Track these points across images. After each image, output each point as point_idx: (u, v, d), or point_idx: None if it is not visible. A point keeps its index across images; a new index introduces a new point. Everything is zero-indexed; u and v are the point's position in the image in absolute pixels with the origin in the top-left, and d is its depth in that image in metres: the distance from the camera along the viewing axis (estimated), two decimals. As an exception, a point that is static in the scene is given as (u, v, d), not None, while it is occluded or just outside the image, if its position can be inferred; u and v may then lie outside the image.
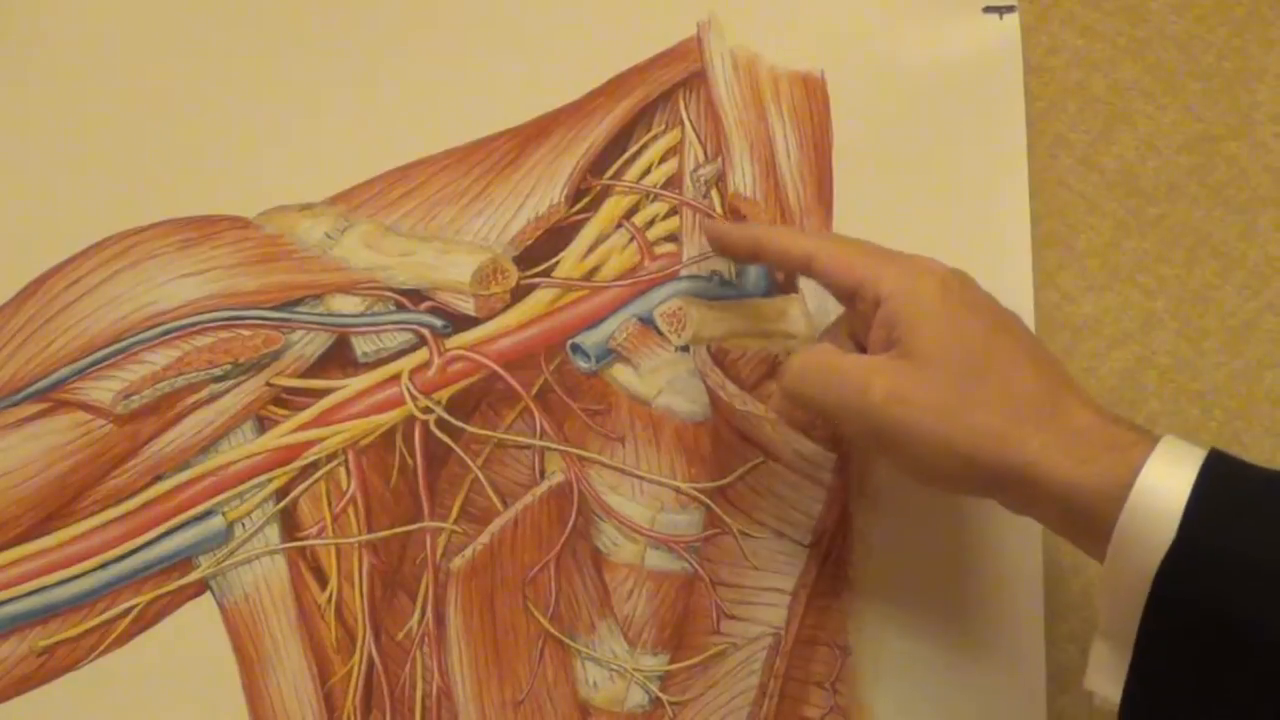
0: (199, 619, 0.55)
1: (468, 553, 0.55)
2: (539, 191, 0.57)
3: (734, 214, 0.57)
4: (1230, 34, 0.59)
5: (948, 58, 0.57)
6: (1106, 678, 0.44)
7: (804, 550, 0.56)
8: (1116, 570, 0.43)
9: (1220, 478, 0.42)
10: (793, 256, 0.51)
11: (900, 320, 0.47)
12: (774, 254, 0.52)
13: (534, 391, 0.56)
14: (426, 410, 0.56)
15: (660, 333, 0.56)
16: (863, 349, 0.50)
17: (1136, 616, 0.42)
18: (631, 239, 0.57)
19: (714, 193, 0.57)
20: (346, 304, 0.56)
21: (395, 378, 0.56)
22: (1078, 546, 0.46)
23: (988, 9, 0.57)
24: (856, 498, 0.56)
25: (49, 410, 0.55)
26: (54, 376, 0.55)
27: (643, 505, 0.56)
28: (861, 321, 0.49)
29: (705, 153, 0.57)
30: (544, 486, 0.56)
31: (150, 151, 0.56)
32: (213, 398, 0.55)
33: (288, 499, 0.55)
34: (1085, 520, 0.44)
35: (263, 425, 0.55)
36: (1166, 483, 0.42)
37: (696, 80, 0.57)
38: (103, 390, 0.55)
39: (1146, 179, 0.59)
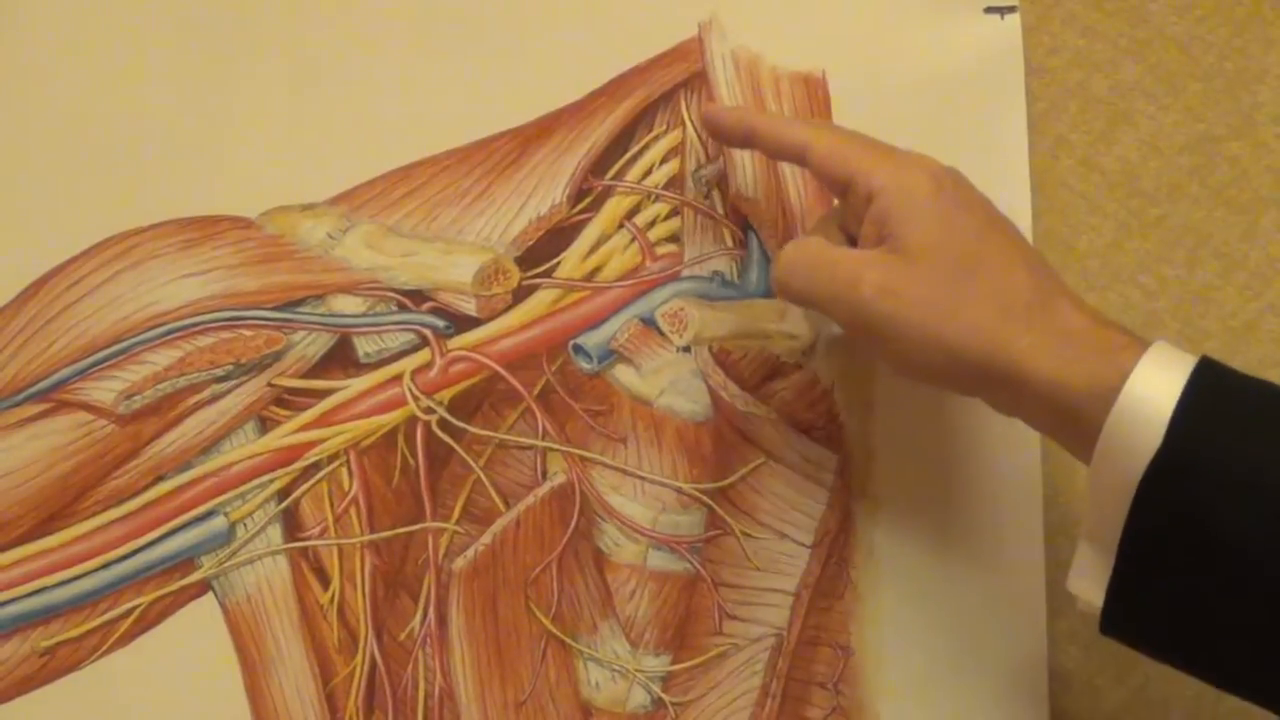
0: (201, 619, 0.55)
1: (470, 553, 0.55)
2: (541, 192, 0.57)
3: (735, 214, 0.57)
4: (1231, 34, 0.59)
5: (949, 58, 0.57)
6: (1090, 581, 0.44)
7: (806, 551, 0.56)
8: (1102, 474, 0.43)
9: (1209, 386, 0.42)
10: (787, 144, 0.50)
11: (892, 215, 0.47)
12: (768, 140, 0.51)
13: (536, 392, 0.56)
14: (428, 411, 0.56)
15: (662, 333, 0.56)
16: (854, 243, 0.49)
17: (1121, 521, 0.42)
18: (633, 239, 0.57)
19: (715, 193, 0.57)
20: (348, 304, 0.56)
21: (397, 378, 0.56)
22: (1064, 448, 0.46)
23: (989, 9, 0.57)
24: (859, 498, 0.56)
25: (51, 411, 0.55)
26: (56, 377, 0.55)
27: (645, 506, 0.56)
28: (853, 215, 0.49)
29: (707, 153, 0.57)
30: (546, 487, 0.56)
31: (151, 152, 0.56)
32: (214, 398, 0.55)
33: (290, 499, 0.55)
34: (1072, 421, 0.44)
35: (265, 426, 0.55)
36: (1155, 388, 0.42)
37: (698, 80, 0.57)
38: (104, 390, 0.55)
39: (1148, 179, 0.59)
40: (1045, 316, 0.45)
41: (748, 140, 0.52)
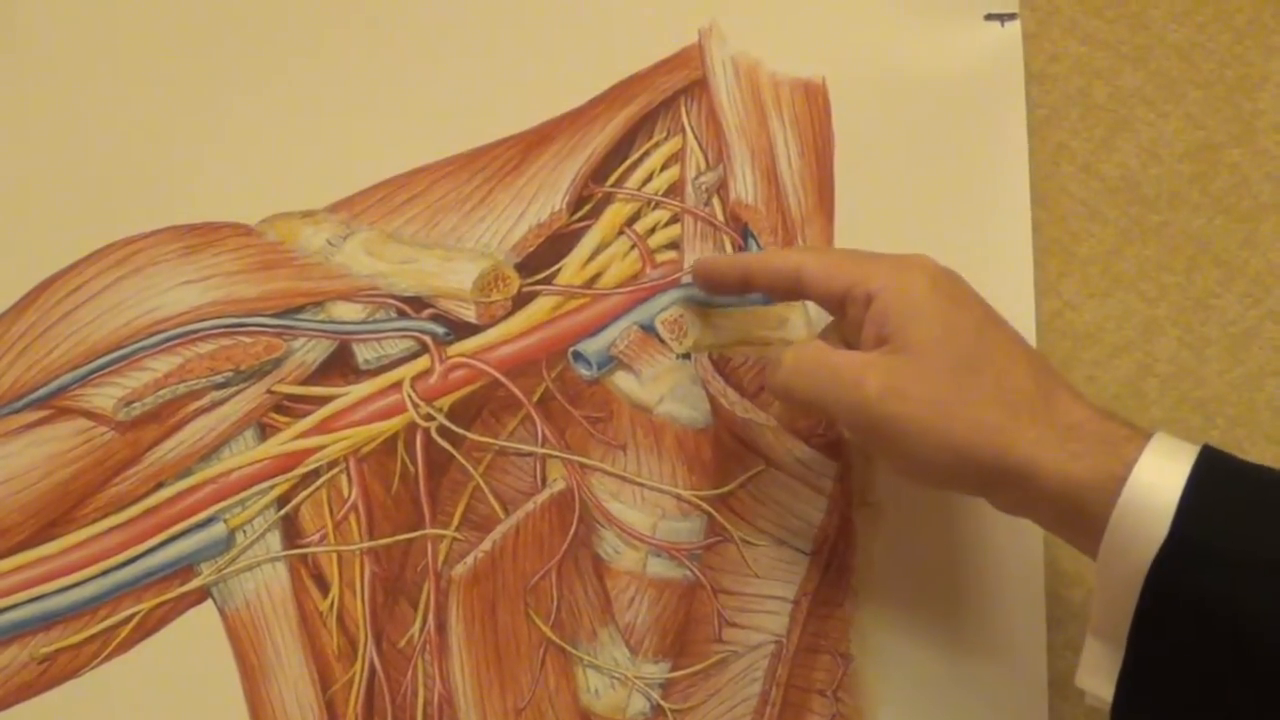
0: (200, 626, 0.55)
1: (469, 560, 0.55)
2: (540, 199, 0.57)
3: (735, 221, 0.57)
4: (1232, 41, 0.59)
5: (949, 65, 0.57)
6: (1099, 676, 0.44)
7: (805, 558, 0.56)
8: (1110, 566, 0.43)
9: (1213, 474, 0.43)
10: (783, 274, 0.50)
11: (892, 316, 0.47)
12: (763, 277, 0.51)
13: (535, 399, 0.56)
14: (428, 418, 0.56)
15: (662, 340, 0.56)
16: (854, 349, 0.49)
17: (1129, 613, 0.42)
18: (633, 246, 0.57)
19: (715, 200, 0.57)
20: (348, 311, 0.56)
21: (397, 385, 0.56)
22: (1071, 543, 0.46)
23: (989, 16, 0.57)
24: (858, 506, 0.56)
25: (50, 417, 0.55)
26: (55, 383, 0.55)
27: (644, 513, 0.56)
28: (852, 325, 0.49)
29: (707, 160, 0.57)
30: (545, 494, 0.56)
31: (152, 158, 0.56)
32: (214, 405, 0.55)
33: (289, 506, 0.55)
34: (1079, 516, 0.44)
35: (264, 432, 0.55)
36: (1160, 478, 0.42)
37: (698, 87, 0.57)
38: (104, 397, 0.55)
39: (1148, 186, 0.59)
40: (1048, 411, 0.45)
41: (745, 282, 0.52)
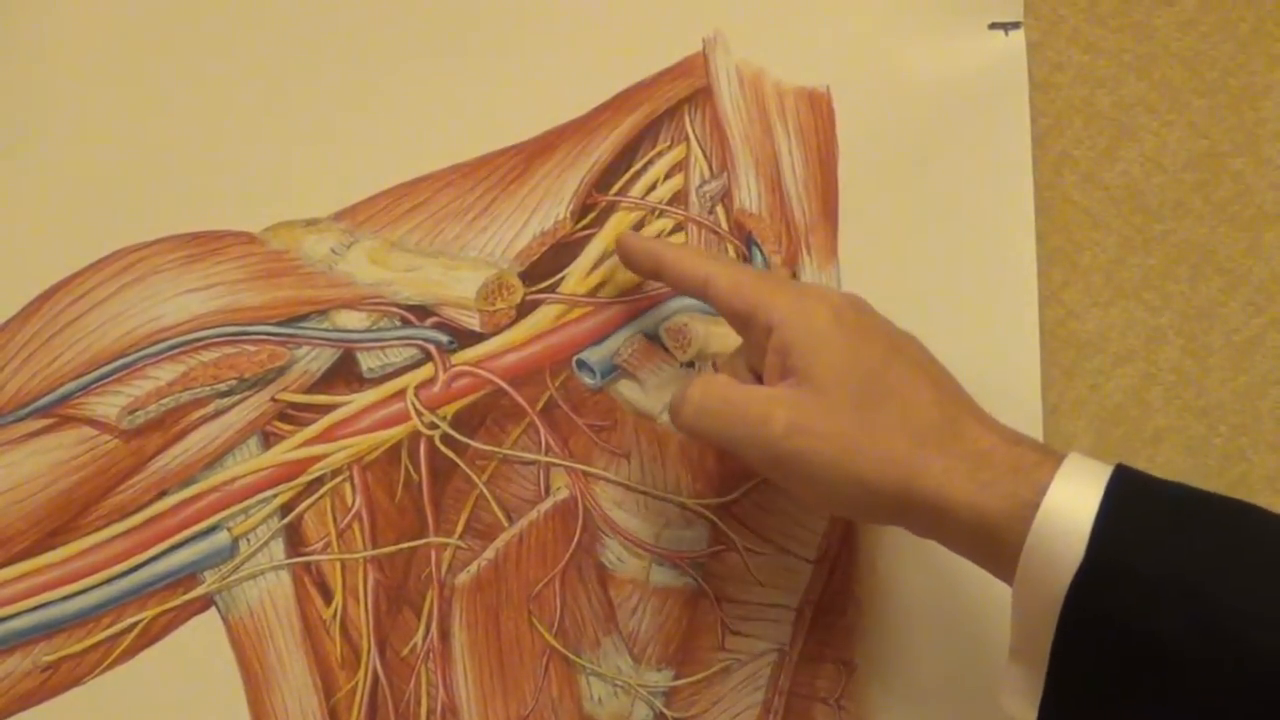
0: (204, 634, 0.55)
1: (473, 568, 0.55)
2: (544, 207, 0.57)
3: (739, 230, 0.57)
4: (1235, 50, 0.59)
5: (953, 73, 0.57)
6: (1021, 700, 0.44)
7: (809, 566, 0.56)
8: (1026, 591, 0.43)
9: (1126, 495, 0.42)
10: (691, 278, 0.50)
11: (794, 348, 0.47)
12: (673, 274, 0.52)
13: (539, 407, 0.56)
14: (432, 426, 0.56)
15: (666, 349, 0.56)
16: (760, 378, 0.49)
17: (1049, 637, 0.42)
18: (637, 254, 0.57)
19: (719, 208, 0.57)
20: (352, 319, 0.56)
21: (400, 393, 0.56)
22: (986, 569, 0.46)
23: (993, 25, 0.57)
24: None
25: (54, 426, 0.55)
26: (59, 392, 0.55)
27: (648, 521, 0.56)
28: (756, 349, 0.49)
29: (710, 168, 0.57)
30: (549, 502, 0.56)
31: (155, 166, 0.56)
32: (218, 413, 0.55)
33: (293, 514, 0.55)
34: (992, 543, 0.44)
35: (268, 441, 0.55)
36: (1073, 502, 0.42)
37: (702, 96, 0.57)
38: (108, 406, 0.55)
39: (1151, 195, 0.59)
40: (955, 440, 0.45)
41: (655, 271, 0.53)
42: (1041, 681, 0.43)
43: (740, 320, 0.49)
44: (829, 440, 0.45)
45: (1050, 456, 0.44)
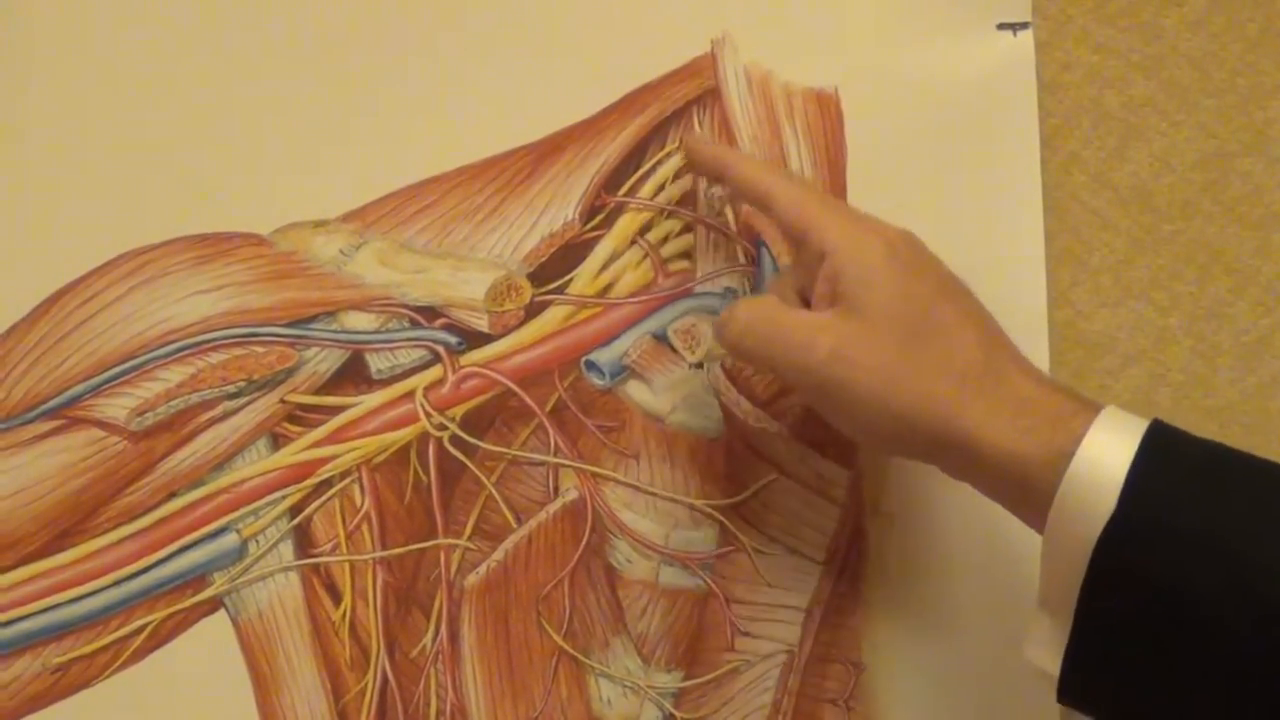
0: (213, 636, 0.55)
1: (482, 569, 0.55)
2: (553, 208, 0.57)
3: (748, 231, 0.57)
4: (1244, 50, 0.59)
5: (961, 74, 0.57)
6: (1045, 649, 0.44)
7: (818, 567, 0.56)
8: (1056, 540, 0.43)
9: (1161, 448, 0.42)
10: (754, 187, 0.51)
11: (845, 276, 0.47)
12: (737, 179, 0.52)
13: (548, 408, 0.56)
14: (441, 427, 0.56)
15: (674, 350, 0.56)
16: (806, 301, 0.49)
17: (1076, 587, 0.42)
18: (645, 256, 0.57)
19: (728, 210, 0.57)
20: (361, 321, 0.56)
21: (409, 395, 0.56)
22: (1017, 515, 0.46)
23: (1001, 25, 0.57)
24: (871, 515, 0.56)
25: (63, 427, 0.55)
26: (68, 394, 0.55)
27: (657, 522, 0.56)
28: (805, 271, 0.49)
29: (719, 169, 0.57)
30: (558, 503, 0.56)
31: (164, 168, 0.56)
32: (226, 415, 0.55)
33: (302, 516, 0.55)
34: (1025, 490, 0.44)
35: (277, 442, 0.55)
36: (1107, 453, 0.42)
37: (710, 97, 0.57)
38: (117, 407, 0.55)
39: (1160, 196, 0.58)
40: (997, 385, 0.45)
41: (720, 174, 0.53)
42: (1067, 632, 0.43)
43: (794, 238, 0.50)
44: (871, 372, 0.45)
45: (1088, 406, 0.44)
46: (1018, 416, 0.44)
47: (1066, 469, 0.42)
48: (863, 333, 0.46)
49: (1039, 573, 0.44)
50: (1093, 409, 0.44)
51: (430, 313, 0.56)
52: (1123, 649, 0.42)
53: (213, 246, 0.56)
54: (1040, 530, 0.43)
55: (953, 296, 0.48)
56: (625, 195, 0.57)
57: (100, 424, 0.55)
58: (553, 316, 0.56)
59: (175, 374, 0.55)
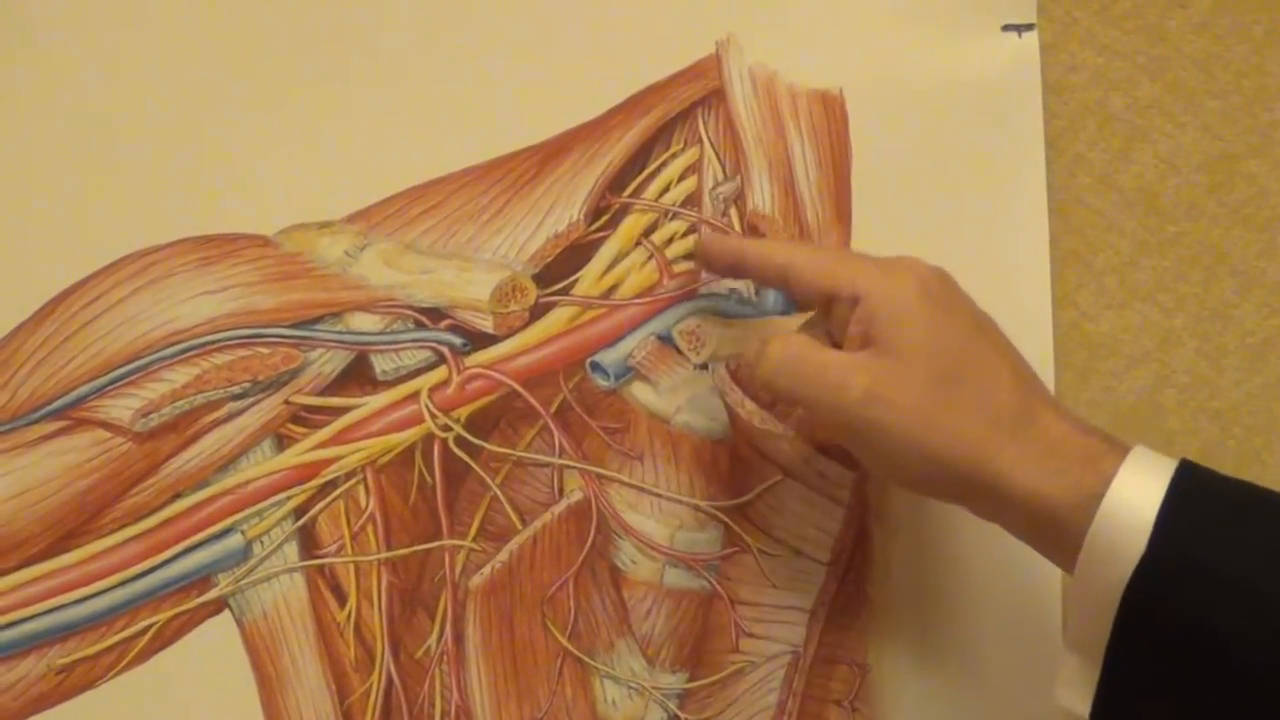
0: (217, 637, 0.55)
1: (486, 571, 0.55)
2: (558, 209, 0.57)
3: (752, 231, 0.57)
4: (1249, 52, 0.59)
5: (966, 76, 0.57)
6: (1075, 691, 0.44)
7: (823, 568, 0.56)
8: (1086, 582, 0.43)
9: (1191, 489, 0.42)
10: (772, 265, 0.50)
11: (879, 318, 0.47)
12: (754, 265, 0.51)
13: (553, 409, 0.56)
14: (445, 428, 0.56)
15: (679, 351, 0.56)
16: (839, 347, 0.49)
17: (1106, 629, 0.42)
18: (650, 257, 0.57)
19: (733, 210, 0.57)
20: (365, 322, 0.56)
21: (414, 396, 0.56)
22: (1047, 557, 0.46)
23: (1006, 27, 0.57)
24: (876, 516, 0.56)
25: (68, 428, 0.55)
26: (73, 394, 0.55)
27: (661, 523, 0.56)
28: (838, 325, 0.49)
29: (724, 170, 0.57)
30: (563, 504, 0.56)
31: (169, 169, 0.56)
32: (231, 416, 0.55)
33: (306, 517, 0.55)
34: (1055, 531, 0.44)
35: (281, 443, 0.55)
36: (1137, 494, 0.42)
37: (715, 98, 0.57)
38: (122, 408, 0.55)
39: (1165, 197, 0.59)
40: (1028, 426, 0.45)
41: (736, 268, 0.53)
42: (1097, 673, 0.43)
43: (823, 297, 0.49)
44: (905, 412, 0.45)
45: (1117, 448, 0.44)
46: (1048, 458, 0.44)
47: (1097, 511, 0.42)
48: (897, 372, 0.46)
49: (1067, 613, 0.45)
50: (1121, 450, 0.44)
51: (435, 314, 0.56)
52: (1153, 690, 0.42)
53: (218, 248, 0.56)
54: (1070, 572, 0.44)
55: (985, 335, 0.48)
56: (630, 196, 0.57)
57: (105, 425, 0.55)
58: (558, 318, 0.56)
59: (180, 375, 0.55)
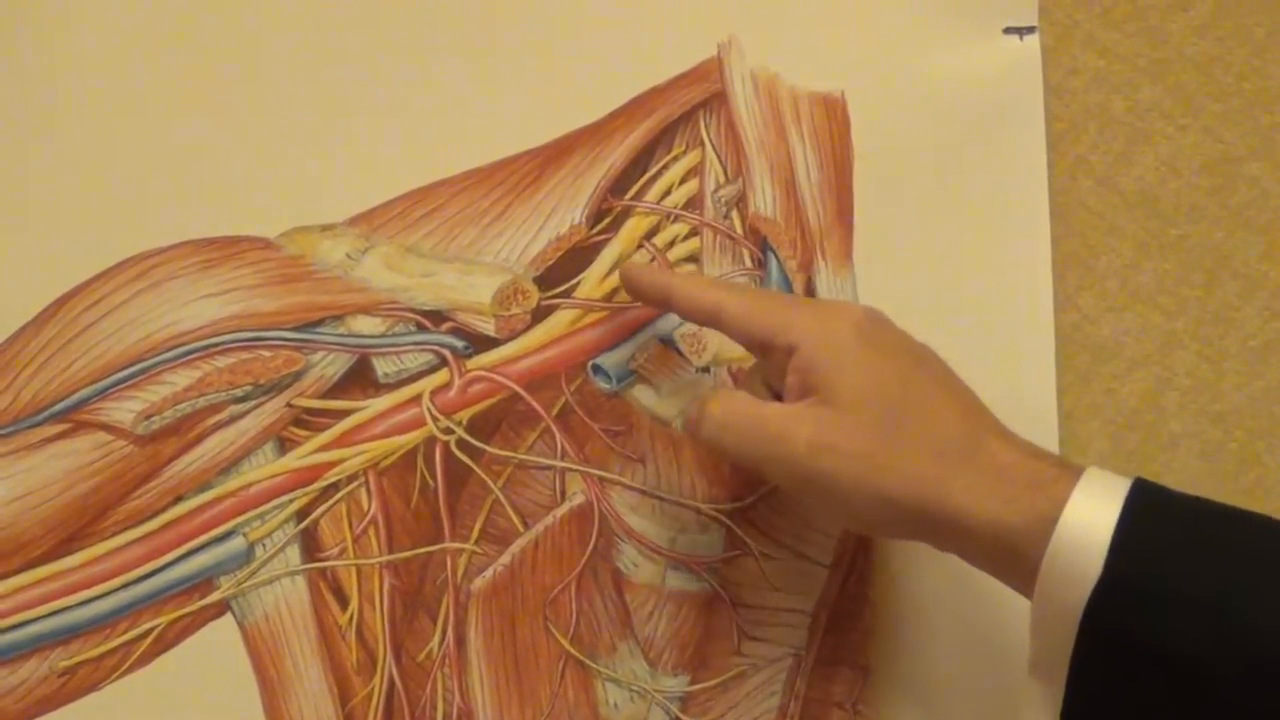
0: (220, 640, 0.55)
1: (488, 574, 0.55)
2: (560, 212, 0.57)
3: (754, 234, 0.57)
4: (1250, 55, 0.59)
5: (967, 78, 0.57)
6: (1041, 715, 0.44)
7: (824, 571, 0.56)
8: (1045, 606, 0.43)
9: (1145, 508, 0.42)
10: (701, 307, 0.50)
11: (816, 366, 0.47)
12: (682, 303, 0.51)
13: (555, 412, 0.56)
14: (447, 431, 0.56)
15: (681, 354, 0.56)
16: (778, 397, 0.49)
17: (1067, 652, 0.42)
18: (652, 260, 0.57)
19: (735, 213, 0.57)
20: (367, 325, 0.56)
21: (416, 399, 0.56)
22: (1007, 584, 0.46)
23: (1008, 30, 0.57)
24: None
25: (70, 431, 0.55)
26: (75, 397, 0.55)
27: (663, 526, 0.56)
28: (776, 370, 0.49)
29: (726, 173, 0.57)
30: (565, 507, 0.56)
31: (171, 172, 0.56)
32: (233, 419, 0.55)
33: (308, 520, 0.55)
34: (1013, 559, 0.44)
35: (283, 446, 0.55)
36: (1091, 516, 0.42)
37: (717, 101, 0.57)
38: (124, 411, 0.55)
39: (1167, 200, 0.59)
40: (976, 455, 0.45)
41: (664, 302, 0.51)
42: (1061, 697, 0.43)
43: (757, 345, 0.49)
44: (853, 459, 0.45)
45: (1069, 471, 0.44)
46: (999, 485, 0.44)
47: (1052, 535, 0.42)
48: (841, 419, 0.46)
49: (1029, 637, 0.44)
50: (1074, 472, 0.44)
51: (437, 317, 0.56)
52: (1116, 711, 0.42)
53: (220, 250, 0.56)
54: (1030, 598, 0.43)
55: (926, 370, 0.48)
56: (632, 199, 0.57)
57: (107, 428, 0.55)
58: (559, 320, 0.56)
59: (182, 378, 0.55)
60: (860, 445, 0.45)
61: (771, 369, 0.49)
